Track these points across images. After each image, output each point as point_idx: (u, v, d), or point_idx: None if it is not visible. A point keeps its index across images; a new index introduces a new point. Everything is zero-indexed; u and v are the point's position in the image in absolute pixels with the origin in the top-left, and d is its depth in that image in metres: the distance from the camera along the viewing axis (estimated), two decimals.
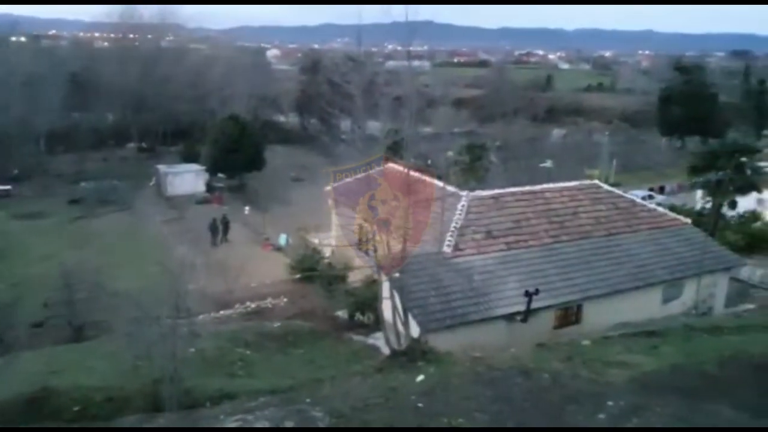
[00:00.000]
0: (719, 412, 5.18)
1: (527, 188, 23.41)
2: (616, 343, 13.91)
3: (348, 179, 27.02)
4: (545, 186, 23.91)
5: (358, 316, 22.08)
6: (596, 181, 25.97)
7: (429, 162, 40.19)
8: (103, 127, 60.07)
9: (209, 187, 46.11)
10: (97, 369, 13.12)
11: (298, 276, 27.28)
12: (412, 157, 13.02)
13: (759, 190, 29.90)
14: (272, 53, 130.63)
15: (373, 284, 18.48)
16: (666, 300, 21.52)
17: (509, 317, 18.09)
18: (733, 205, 30.03)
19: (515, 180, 32.31)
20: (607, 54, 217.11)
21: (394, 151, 14.65)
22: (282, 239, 33.50)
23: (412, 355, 11.47)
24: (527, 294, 18.01)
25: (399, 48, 12.38)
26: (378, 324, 15.21)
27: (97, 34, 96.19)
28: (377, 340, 17.58)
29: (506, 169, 46.93)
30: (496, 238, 20.56)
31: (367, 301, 20.93)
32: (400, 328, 11.97)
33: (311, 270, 26.55)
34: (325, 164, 40.21)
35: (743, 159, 29.52)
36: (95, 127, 57.33)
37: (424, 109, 17.14)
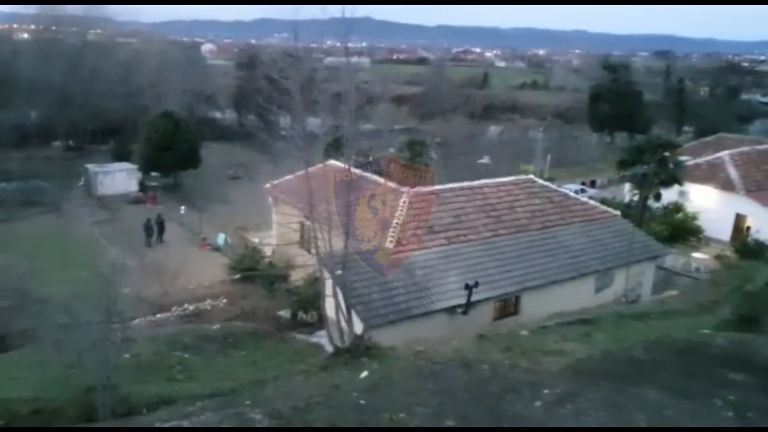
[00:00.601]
0: (645, 394, 5.46)
1: (466, 184, 23.89)
2: (553, 332, 14.41)
3: (288, 176, 26.76)
4: (483, 181, 24.48)
5: (301, 314, 21.89)
6: (531, 176, 26.80)
7: (370, 159, 40.30)
8: (26, 124, 56.59)
9: (143, 187, 44.39)
10: (23, 380, 12.40)
11: (237, 276, 26.74)
12: (353, 154, 13.02)
13: (680, 183, 31.66)
14: (207, 48, 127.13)
15: (315, 282, 18.38)
16: (598, 289, 22.49)
17: (451, 310, 18.41)
18: (657, 197, 31.65)
19: (455, 176, 32.84)
20: (541, 52, 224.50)
21: (335, 147, 14.59)
22: (220, 239, 32.72)
23: (356, 351, 11.49)
24: (467, 287, 18.40)
25: (338, 44, 12.29)
26: (321, 322, 15.13)
27: (15, 26, 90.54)
28: (321, 338, 17.49)
29: (446, 166, 47.66)
30: (436, 233, 20.88)
31: (309, 300, 20.77)
32: (344, 325, 11.94)
33: (251, 270, 26.07)
34: (263, 162, 39.64)
35: (666, 154, 31.15)
36: (17, 124, 53.94)
37: (363, 105, 17.16)
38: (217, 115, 73.52)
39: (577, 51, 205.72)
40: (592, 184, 48.58)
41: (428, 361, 7.11)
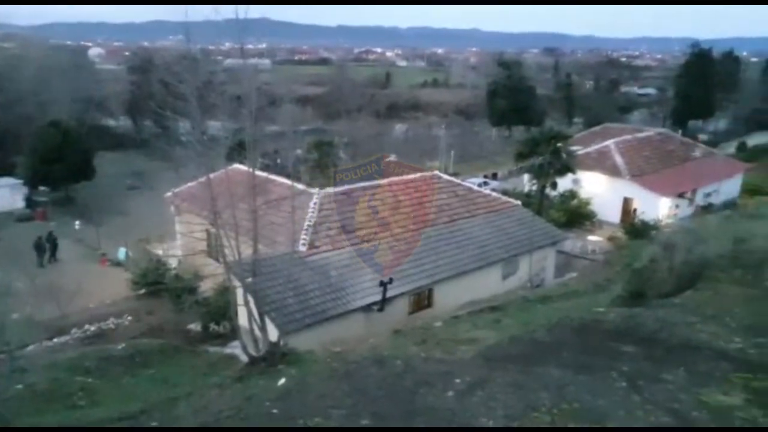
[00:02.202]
0: (548, 373, 5.78)
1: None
2: (465, 321, 14.91)
3: (190, 183, 25.71)
4: (392, 179, 24.83)
5: (213, 326, 21.17)
6: (437, 172, 27.52)
7: (278, 161, 39.64)
8: None
9: (30, 202, 40.93)
10: None
11: (142, 291, 25.39)
12: (260, 157, 12.79)
13: (573, 171, 33.78)
14: (95, 52, 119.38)
15: (225, 292, 17.81)
16: (505, 276, 23.53)
17: (367, 308, 18.55)
18: (554, 186, 33.58)
19: (363, 175, 33.04)
20: (440, 51, 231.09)
21: (238, 151, 14.20)
22: (121, 253, 30.88)
23: (272, 359, 11.27)
24: (382, 284, 18.62)
25: (236, 46, 11.94)
26: (234, 332, 14.69)
27: None
28: (235, 348, 16.98)
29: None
30: (349, 232, 20.94)
31: (220, 310, 20.13)
32: (258, 333, 11.66)
33: (157, 283, 24.84)
34: (163, 169, 37.84)
35: (559, 144, 33.11)
36: None
37: (266, 107, 16.81)
38: (111, 122, 69.26)
39: (474, 49, 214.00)
40: (494, 177, 50.65)
41: (343, 362, 7.12)
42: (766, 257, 11.02)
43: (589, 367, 6.09)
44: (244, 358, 12.01)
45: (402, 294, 19.57)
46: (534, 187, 34.56)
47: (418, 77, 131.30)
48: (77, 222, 35.54)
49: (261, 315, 11.75)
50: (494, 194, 28.14)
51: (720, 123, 79.36)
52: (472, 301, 19.13)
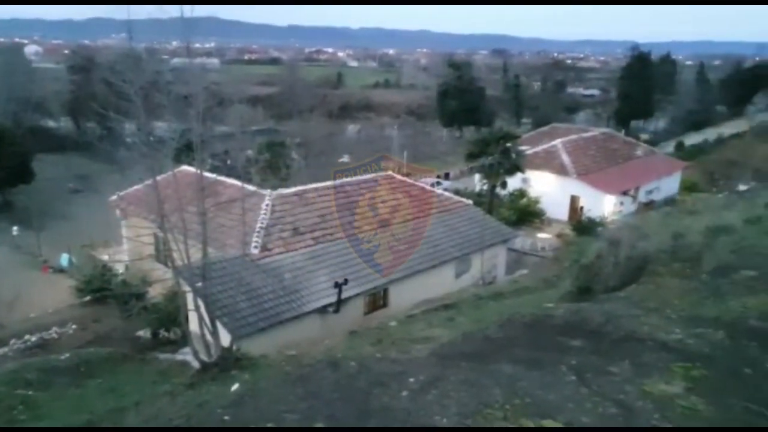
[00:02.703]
0: (500, 369, 5.89)
1: (329, 183, 24.03)
2: (420, 320, 15.04)
3: (136, 186, 24.94)
4: (345, 180, 24.78)
5: (163, 332, 20.58)
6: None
7: (228, 162, 38.94)
8: None
9: None
10: None
11: (87, 298, 24.43)
12: (209, 158, 12.52)
13: (522, 171, 34.54)
14: (32, 50, 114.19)
15: (175, 297, 17.35)
16: (458, 274, 23.85)
17: (322, 310, 18.43)
18: (504, 185, 34.24)
19: (317, 176, 32.87)
20: (391, 52, 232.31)
21: (187, 152, 13.86)
22: (64, 260, 29.63)
23: (225, 364, 11.05)
24: (337, 285, 18.54)
25: (183, 45, 11.63)
26: (185, 338, 14.33)
27: None
28: (186, 355, 16.56)
29: (307, 166, 47.52)
30: (303, 234, 20.77)
31: (170, 316, 19.59)
32: (209, 338, 11.41)
33: (102, 290, 23.95)
34: (107, 172, 36.59)
35: (508, 144, 33.79)
36: None
37: (215, 107, 16.48)
38: (51, 123, 66.33)
39: (424, 50, 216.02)
40: (446, 177, 51.25)
41: (298, 365, 7.05)
42: (702, 251, 11.58)
43: (540, 362, 6.24)
44: (196, 365, 11.73)
45: (357, 295, 19.55)
46: (485, 187, 35.16)
47: (370, 78, 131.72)
48: (15, 228, 33.90)
49: (212, 320, 11.50)
50: (446, 194, 28.49)
51: (659, 123, 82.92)
52: (427, 300, 19.32)
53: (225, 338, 12.50)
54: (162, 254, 20.58)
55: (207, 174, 13.11)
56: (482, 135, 36.75)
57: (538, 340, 7.25)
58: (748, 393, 5.55)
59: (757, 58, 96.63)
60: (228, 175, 23.99)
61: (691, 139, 65.62)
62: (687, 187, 44.80)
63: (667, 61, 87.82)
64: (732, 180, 46.01)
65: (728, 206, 19.69)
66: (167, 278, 17.31)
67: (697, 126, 72.12)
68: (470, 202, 27.99)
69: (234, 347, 11.93)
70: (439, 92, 78.08)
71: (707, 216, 16.51)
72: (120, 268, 25.67)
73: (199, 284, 11.46)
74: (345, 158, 52.47)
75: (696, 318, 7.81)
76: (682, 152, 58.05)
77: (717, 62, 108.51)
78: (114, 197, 27.49)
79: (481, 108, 74.44)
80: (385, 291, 20.93)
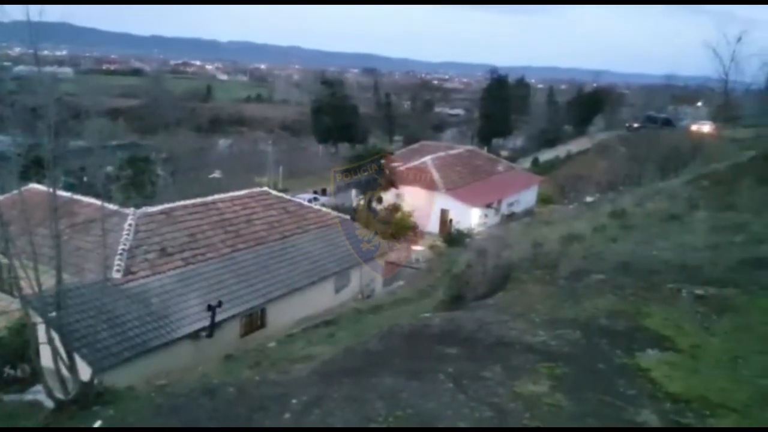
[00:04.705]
0: (382, 382, 5.97)
1: (199, 200, 22.97)
2: (300, 339, 14.84)
3: None
4: (217, 196, 23.85)
5: (8, 371, 18.25)
6: (266, 188, 27.11)
7: (85, 179, 35.85)
8: None
9: None
10: None
11: None
12: (62, 175, 11.40)
13: (396, 186, 35.64)
14: None
15: (24, 330, 15.50)
16: (338, 289, 23.89)
17: (195, 335, 17.47)
18: (379, 200, 35.08)
19: (185, 193, 31.32)
20: (262, 66, 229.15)
21: (36, 169, 12.54)
22: None
23: (84, 401, 10.03)
24: (210, 308, 17.70)
25: (29, 51, 10.53)
26: (36, 375, 12.84)
27: None
28: (38, 393, 14.80)
29: (175, 182, 45.18)
30: (171, 255, 19.59)
31: (17, 352, 17.41)
32: (66, 373, 10.31)
33: None
34: None
35: (382, 161, 34.74)
36: None
37: (69, 120, 15.10)
38: None
39: (296, 66, 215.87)
40: (324, 192, 51.35)
41: (170, 396, 6.60)
42: (558, 258, 12.67)
43: (419, 371, 6.42)
44: (50, 404, 10.54)
45: (233, 317, 18.80)
46: (362, 202, 35.74)
47: (241, 92, 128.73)
48: None
49: (69, 352, 10.41)
50: (324, 209, 28.51)
51: (517, 141, 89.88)
52: (307, 317, 19.12)
53: (85, 372, 11.39)
54: (7, 282, 18.38)
55: (61, 192, 11.92)
56: (358, 152, 37.41)
57: (416, 350, 7.46)
58: (602, 387, 6.14)
59: (595, 84, 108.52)
60: (86, 194, 22.03)
61: (545, 156, 71.79)
62: (543, 200, 49.00)
63: (522, 84, 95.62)
64: (580, 192, 51.09)
65: (578, 216, 21.75)
66: (14, 309, 15.45)
67: (549, 143, 79.12)
68: (348, 217, 28.26)
69: (95, 381, 10.89)
70: (313, 108, 78.16)
71: (561, 226, 18.11)
72: None
73: (53, 314, 10.35)
74: (216, 174, 50.58)
75: (556, 320, 8.50)
76: (537, 167, 63.28)
77: (563, 86, 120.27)
78: None
79: (355, 125, 75.66)
80: (263, 311, 20.36)
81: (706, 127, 58.89)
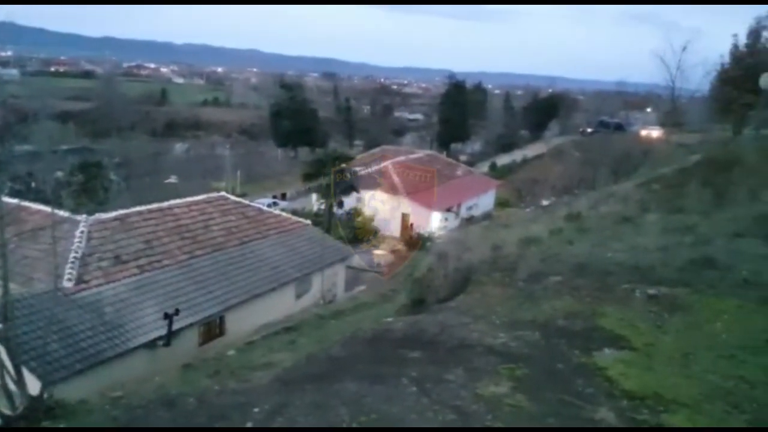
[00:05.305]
0: (345, 388, 5.94)
1: (155, 206, 22.38)
2: (260, 346, 14.62)
3: None
4: (173, 202, 23.30)
5: None
6: (223, 193, 26.66)
7: (33, 185, 34.48)
8: None
9: None
10: None
11: None
12: (8, 181, 10.92)
13: (357, 191, 35.61)
14: None
15: None
16: (299, 295, 23.66)
17: (151, 344, 16.99)
18: (340, 204, 34.99)
19: (140, 198, 30.51)
20: (219, 70, 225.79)
21: None
22: None
23: (34, 416, 9.62)
24: (167, 316, 17.25)
25: None
26: None
27: None
28: None
29: (129, 188, 44.00)
30: (126, 262, 19.02)
31: None
32: (13, 388, 9.86)
33: None
34: None
35: (343, 165, 34.68)
36: None
37: (15, 123, 14.55)
38: None
39: (254, 69, 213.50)
40: (283, 197, 50.91)
41: (126, 408, 6.40)
42: (517, 261, 12.90)
43: (383, 376, 6.41)
44: None
45: (191, 325, 18.36)
46: (322, 206, 35.57)
47: (198, 95, 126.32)
48: None
49: (17, 366, 9.97)
50: (284, 214, 28.22)
51: (475, 145, 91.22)
52: (267, 324, 18.86)
53: (34, 386, 10.93)
54: None
55: (7, 199, 11.44)
56: (318, 156, 37.26)
57: (379, 355, 7.45)
58: (561, 386, 6.27)
59: (550, 90, 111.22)
60: (34, 200, 21.19)
61: (502, 160, 73.09)
62: (501, 203, 49.87)
63: (479, 89, 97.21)
64: (536, 196, 52.23)
65: (535, 220, 22.22)
66: None
67: (506, 148, 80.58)
68: (308, 222, 28.05)
69: (45, 395, 10.46)
70: (272, 112, 77.37)
71: (519, 229, 18.46)
72: None
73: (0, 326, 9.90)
74: (172, 179, 49.46)
75: (516, 322, 8.65)
76: (495, 172, 64.38)
77: (519, 92, 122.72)
78: None
79: (315, 129, 75.29)
80: (222, 318, 19.98)
81: (655, 132, 61.18)
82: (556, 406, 5.81)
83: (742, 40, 31.52)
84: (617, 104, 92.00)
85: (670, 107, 69.63)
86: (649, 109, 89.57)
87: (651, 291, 9.07)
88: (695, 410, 5.67)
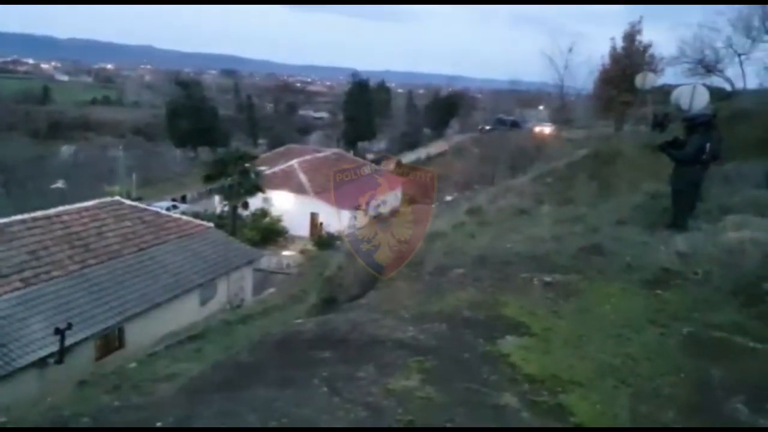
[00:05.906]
0: (254, 394, 5.80)
1: (40, 213, 20.71)
2: (163, 357, 13.94)
3: None
4: (61, 209, 21.69)
5: None
6: (118, 198, 25.17)
7: None
8: None
9: None
10: None
11: None
12: None
13: (263, 191, 34.90)
14: None
15: None
16: (204, 301, 22.85)
17: (41, 363, 15.75)
18: (245, 206, 34.12)
19: (23, 206, 28.10)
20: (109, 66, 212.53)
21: None
22: None
23: None
24: (58, 331, 16.05)
25: None
26: None
27: None
28: None
29: (9, 195, 40.40)
30: (7, 276, 17.46)
31: None
32: None
33: None
34: None
35: (247, 165, 33.83)
36: None
37: None
38: None
39: (148, 66, 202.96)
40: (183, 200, 48.90)
41: None
42: (423, 255, 13.21)
43: (293, 379, 6.32)
44: None
45: (86, 339, 17.20)
46: (226, 208, 34.51)
47: (86, 94, 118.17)
48: None
49: None
50: (185, 218, 27.08)
51: (381, 144, 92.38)
52: (171, 333, 18.05)
53: None
54: None
55: None
56: (219, 156, 36.11)
57: (289, 358, 7.34)
58: (468, 375, 6.49)
59: (450, 89, 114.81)
60: None
61: (407, 158, 74.49)
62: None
63: (383, 88, 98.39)
64: (440, 192, 53.76)
65: (439, 215, 22.85)
66: None
67: (411, 146, 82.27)
68: (211, 224, 27.11)
69: None
70: (168, 111, 73.97)
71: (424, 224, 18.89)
72: None
73: None
74: (59, 184, 45.88)
75: (424, 315, 8.85)
76: (400, 169, 65.47)
77: (421, 90, 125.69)
78: None
79: (216, 128, 72.87)
80: (120, 330, 18.88)
81: (547, 129, 65.00)
82: (463, 395, 6.00)
83: (620, 43, 34.25)
84: (512, 102, 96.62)
85: (559, 104, 74.21)
86: (541, 107, 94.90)
87: (547, 278, 9.59)
88: (588, 388, 6.09)
